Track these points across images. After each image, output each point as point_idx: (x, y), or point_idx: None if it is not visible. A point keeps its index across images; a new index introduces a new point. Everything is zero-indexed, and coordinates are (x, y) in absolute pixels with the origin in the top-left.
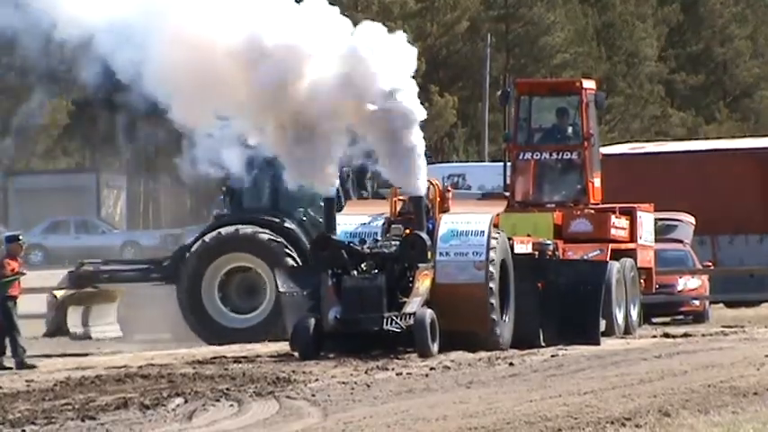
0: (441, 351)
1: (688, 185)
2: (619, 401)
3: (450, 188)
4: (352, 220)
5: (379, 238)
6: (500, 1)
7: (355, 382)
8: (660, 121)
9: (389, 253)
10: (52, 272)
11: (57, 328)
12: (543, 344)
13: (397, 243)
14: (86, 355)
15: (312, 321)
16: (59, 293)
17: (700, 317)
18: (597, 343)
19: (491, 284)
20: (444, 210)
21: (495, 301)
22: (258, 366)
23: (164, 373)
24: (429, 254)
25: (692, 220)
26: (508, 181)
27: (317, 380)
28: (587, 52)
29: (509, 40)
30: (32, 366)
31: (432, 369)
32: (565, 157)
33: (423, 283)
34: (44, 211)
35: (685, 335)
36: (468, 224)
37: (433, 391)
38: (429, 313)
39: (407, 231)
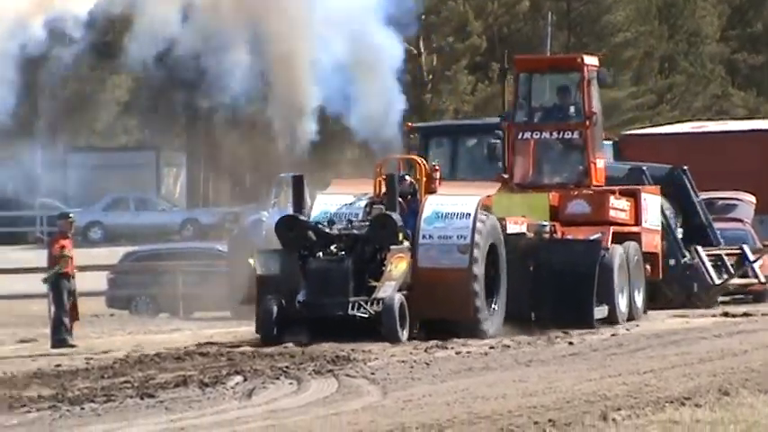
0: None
1: (749, 164)
2: (678, 381)
3: (437, 168)
4: (335, 200)
5: (354, 219)
6: None
7: (414, 361)
8: (721, 100)
9: (360, 234)
10: (111, 249)
11: (250, 297)
12: (535, 327)
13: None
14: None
15: (275, 305)
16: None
17: (760, 296)
18: (591, 326)
19: (476, 269)
20: (431, 191)
21: (479, 287)
22: (318, 344)
23: (223, 352)
24: (401, 235)
25: (753, 199)
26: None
27: (376, 358)
28: (649, 31)
29: (570, 18)
30: (72, 346)
31: (491, 348)
32: (565, 136)
33: (396, 267)
34: (104, 188)
35: (745, 314)
36: (454, 206)
37: (493, 370)
38: (398, 298)
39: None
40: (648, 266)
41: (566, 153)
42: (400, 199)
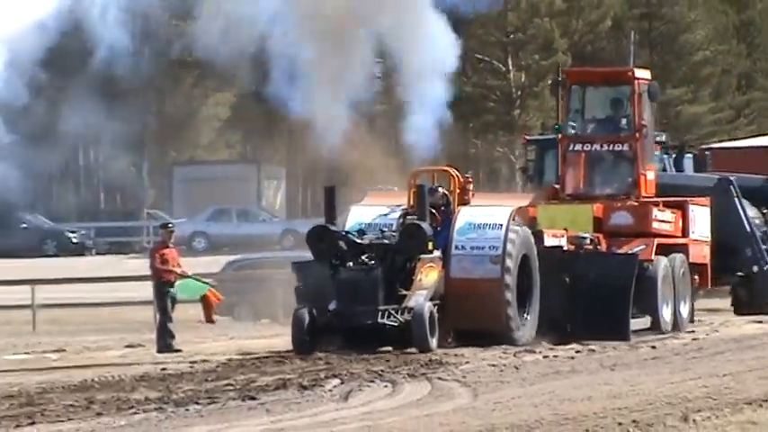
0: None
1: None
2: (756, 383)
3: (470, 179)
4: (370, 212)
5: (385, 229)
6: (643, 0)
7: (504, 365)
8: None
9: (390, 244)
10: (215, 258)
11: None
12: (571, 338)
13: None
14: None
15: (306, 315)
16: None
17: None
18: (627, 338)
19: (508, 279)
20: (464, 202)
21: (512, 297)
22: (412, 349)
23: (321, 356)
24: (431, 245)
25: None
26: (559, 173)
27: (467, 362)
28: (727, 50)
29: (651, 37)
30: (177, 351)
31: (577, 352)
32: (615, 148)
33: (427, 276)
34: (207, 200)
35: None
36: (486, 217)
37: (579, 373)
38: (428, 307)
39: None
40: (697, 277)
41: (616, 165)
42: (434, 210)
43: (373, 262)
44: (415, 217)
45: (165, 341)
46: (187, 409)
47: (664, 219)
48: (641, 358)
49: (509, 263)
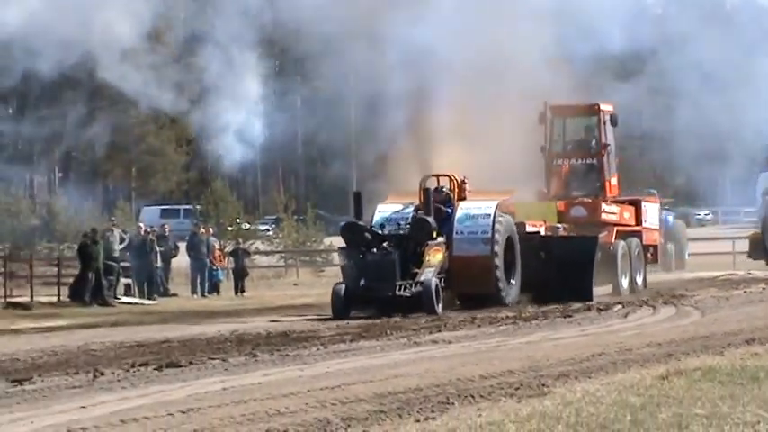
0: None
1: None
2: None
3: (465, 180)
4: (389, 208)
5: (401, 223)
6: None
7: (720, 296)
8: None
9: (404, 234)
10: None
11: None
12: (544, 300)
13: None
14: None
15: (343, 288)
16: None
17: None
18: (590, 299)
19: (496, 255)
20: (462, 198)
21: (500, 268)
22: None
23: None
24: (435, 233)
25: None
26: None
27: (698, 295)
28: None
29: None
30: None
31: (764, 288)
32: (587, 162)
33: (434, 257)
34: None
35: None
36: (478, 209)
37: (765, 302)
38: (434, 280)
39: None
40: (650, 255)
41: (587, 174)
42: (441, 205)
43: (391, 248)
44: (423, 212)
45: None
46: (530, 323)
47: (611, 212)
48: (737, 302)
49: (497, 243)
